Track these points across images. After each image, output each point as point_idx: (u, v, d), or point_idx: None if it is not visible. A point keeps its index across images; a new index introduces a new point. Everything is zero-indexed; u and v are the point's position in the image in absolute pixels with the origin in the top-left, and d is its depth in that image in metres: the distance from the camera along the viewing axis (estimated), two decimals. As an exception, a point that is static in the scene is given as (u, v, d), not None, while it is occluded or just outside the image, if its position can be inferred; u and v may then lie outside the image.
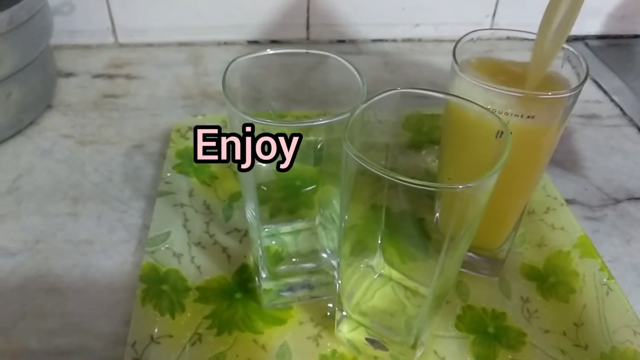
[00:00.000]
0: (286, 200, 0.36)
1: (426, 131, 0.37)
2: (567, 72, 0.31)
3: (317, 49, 0.32)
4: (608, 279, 0.36)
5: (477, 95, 0.28)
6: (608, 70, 0.61)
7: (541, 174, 0.33)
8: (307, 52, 0.32)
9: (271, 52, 0.31)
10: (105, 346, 0.33)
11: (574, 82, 0.30)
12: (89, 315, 0.35)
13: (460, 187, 0.22)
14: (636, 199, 0.45)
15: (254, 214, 0.33)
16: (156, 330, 0.33)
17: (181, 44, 0.63)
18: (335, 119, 0.26)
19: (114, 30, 0.62)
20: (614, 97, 0.57)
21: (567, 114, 0.29)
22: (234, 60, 0.30)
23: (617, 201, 0.45)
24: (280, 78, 0.35)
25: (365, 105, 0.26)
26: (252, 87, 0.34)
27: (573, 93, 0.28)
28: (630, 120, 0.54)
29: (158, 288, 0.35)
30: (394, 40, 0.66)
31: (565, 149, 0.50)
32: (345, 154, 0.25)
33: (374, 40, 0.66)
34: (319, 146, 0.33)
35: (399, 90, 0.27)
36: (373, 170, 0.23)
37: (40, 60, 0.49)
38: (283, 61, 0.34)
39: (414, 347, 0.31)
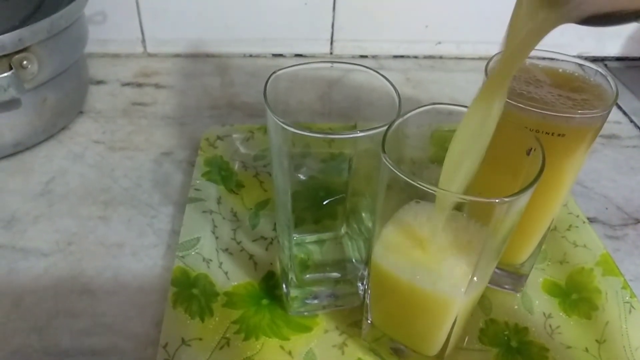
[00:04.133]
0: (314, 210, 0.37)
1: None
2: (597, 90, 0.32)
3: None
4: (630, 297, 0.36)
5: (508, 112, 0.29)
6: (628, 91, 0.62)
7: (567, 192, 0.34)
8: (345, 65, 0.33)
9: (310, 66, 0.32)
10: (137, 347, 0.34)
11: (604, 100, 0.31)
12: (120, 316, 0.36)
13: (497, 200, 0.23)
14: (657, 219, 0.45)
15: (286, 221, 0.34)
16: (187, 333, 0.33)
17: (208, 55, 0.65)
18: (375, 131, 0.27)
19: (143, 40, 0.63)
20: (634, 119, 0.58)
21: (596, 133, 0.30)
22: (274, 73, 0.31)
23: (638, 221, 0.45)
24: (306, 91, 0.36)
25: (402, 119, 0.27)
26: (278, 100, 0.35)
27: (603, 113, 0.29)
28: (650, 141, 0.55)
29: (189, 292, 0.36)
30: (416, 57, 0.67)
31: (586, 168, 0.50)
32: (383, 165, 0.25)
33: (396, 57, 0.67)
34: (348, 158, 0.34)
35: (435, 105, 0.28)
36: (413, 183, 0.24)
37: (75, 68, 0.50)
38: (308, 73, 0.35)
39: (439, 357, 0.31)
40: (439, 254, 0.27)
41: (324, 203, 0.36)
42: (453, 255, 0.27)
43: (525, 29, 0.23)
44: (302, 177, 0.35)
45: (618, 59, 0.68)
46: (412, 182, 0.24)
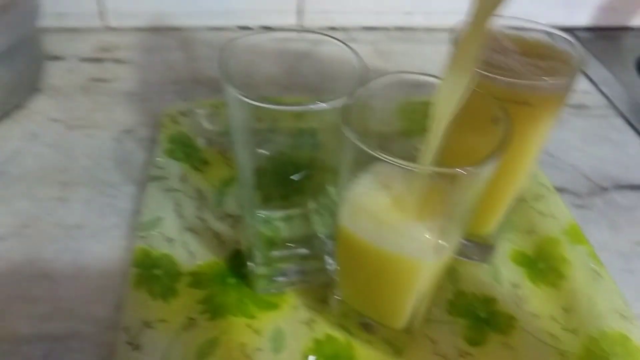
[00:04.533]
0: (280, 186, 0.36)
1: (418, 119, 0.38)
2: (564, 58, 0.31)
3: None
4: (597, 265, 0.37)
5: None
6: (596, 61, 0.62)
7: (534, 162, 0.34)
8: (306, 34, 0.32)
9: (267, 35, 0.31)
10: (98, 331, 0.33)
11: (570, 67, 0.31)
12: (80, 300, 0.34)
13: (462, 170, 0.23)
14: (623, 187, 0.46)
15: (249, 199, 0.33)
16: (149, 315, 0.33)
17: (171, 29, 0.62)
18: (335, 101, 0.26)
19: (102, 14, 0.61)
20: (602, 88, 0.58)
21: (563, 102, 0.30)
22: (229, 42, 0.29)
23: (605, 190, 0.45)
24: (272, 64, 0.35)
25: (364, 89, 0.26)
26: (244, 73, 0.34)
27: (569, 80, 0.28)
28: (618, 110, 0.55)
29: (151, 273, 0.35)
30: (386, 29, 0.66)
31: (554, 137, 0.50)
32: (345, 139, 0.25)
33: (366, 28, 0.65)
34: (313, 132, 0.33)
35: (399, 74, 0.27)
36: (373, 154, 0.23)
37: (28, 43, 0.48)
38: (276, 46, 0.34)
39: (406, 331, 0.31)
40: (405, 214, 0.27)
41: (291, 179, 0.35)
42: (419, 217, 0.26)
43: None
44: (265, 152, 0.33)
45: (587, 29, 0.68)
46: (375, 155, 0.23)
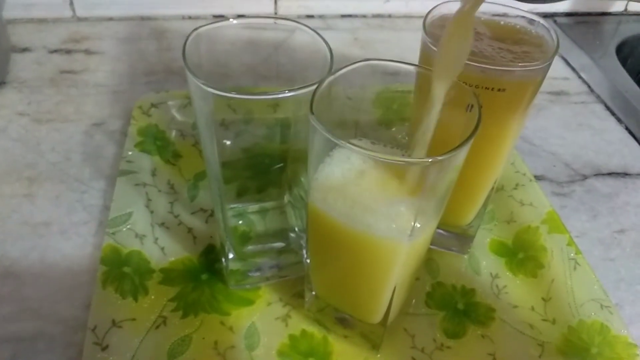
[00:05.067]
0: (253, 179, 0.35)
1: (396, 108, 0.37)
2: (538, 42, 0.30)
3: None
4: (575, 253, 0.36)
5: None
6: (576, 47, 0.61)
7: (511, 149, 0.33)
8: (274, 22, 0.31)
9: (235, 22, 0.30)
10: (65, 331, 0.32)
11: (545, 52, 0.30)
12: (48, 300, 0.33)
13: (430, 160, 0.22)
14: (603, 174, 0.45)
15: (218, 193, 0.32)
16: (118, 314, 0.32)
17: (144, 18, 0.61)
18: (302, 91, 0.25)
19: (71, 3, 0.59)
20: (582, 74, 0.57)
21: (537, 87, 0.29)
22: (194, 30, 0.28)
23: (585, 177, 0.45)
24: (246, 54, 0.34)
25: (332, 77, 0.25)
26: (218, 63, 0.33)
27: (544, 65, 0.28)
28: (598, 97, 0.54)
29: (120, 270, 0.33)
30: (364, 16, 0.64)
31: (534, 125, 0.50)
32: (312, 128, 0.24)
33: (344, 16, 0.64)
34: (286, 123, 0.32)
35: (367, 61, 0.26)
36: (341, 144, 0.22)
37: (-9, 34, 0.46)
38: (250, 36, 0.33)
39: (383, 324, 0.31)
40: (379, 193, 0.25)
41: (265, 171, 0.34)
42: (393, 197, 0.25)
43: None
44: (237, 144, 0.32)
45: (567, 14, 0.68)
46: (341, 144, 0.22)
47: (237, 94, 0.26)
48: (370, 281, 0.29)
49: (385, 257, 0.27)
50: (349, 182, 0.26)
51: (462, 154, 0.23)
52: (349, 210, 0.25)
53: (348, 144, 0.22)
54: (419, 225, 0.25)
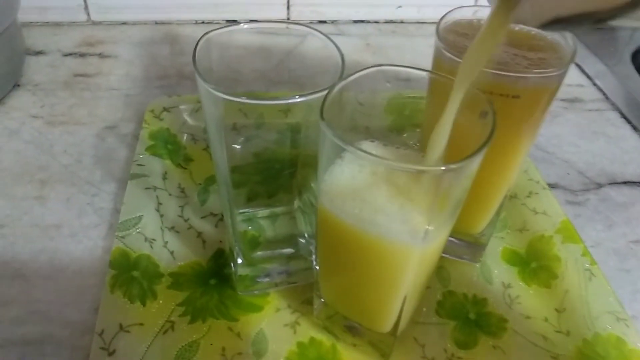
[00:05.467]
0: (263, 184, 0.35)
1: (408, 114, 0.36)
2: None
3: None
4: (590, 264, 0.35)
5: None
6: (591, 54, 0.61)
7: (524, 157, 0.33)
8: (286, 27, 0.31)
9: (246, 26, 0.30)
10: (73, 335, 0.32)
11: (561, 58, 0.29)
12: (56, 303, 0.33)
13: (443, 168, 0.21)
14: (618, 183, 0.45)
15: (227, 197, 0.32)
16: (126, 318, 0.31)
17: (157, 23, 0.61)
18: (313, 96, 0.25)
19: (86, 8, 0.59)
20: (597, 82, 0.57)
21: (553, 95, 0.28)
22: (205, 35, 0.28)
23: (600, 186, 0.44)
24: (258, 59, 0.34)
25: (343, 82, 0.25)
26: (229, 68, 0.33)
27: (560, 72, 0.27)
28: (613, 104, 0.54)
29: (128, 274, 0.33)
30: (376, 22, 0.64)
31: (548, 132, 0.49)
32: (322, 134, 0.23)
33: (356, 22, 0.64)
34: (297, 128, 0.32)
35: (379, 67, 0.26)
36: (351, 151, 0.22)
37: (6, 37, 0.46)
38: (261, 41, 0.33)
39: (393, 334, 0.30)
40: (391, 195, 0.25)
41: (275, 176, 0.34)
42: (407, 198, 0.24)
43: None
44: (247, 149, 0.32)
45: (582, 21, 0.67)
46: (351, 150, 0.22)
47: (247, 98, 0.25)
48: (381, 288, 0.28)
49: (397, 262, 0.26)
50: (360, 182, 0.25)
51: (476, 162, 0.22)
52: (359, 212, 0.25)
53: (359, 151, 0.21)
54: (432, 229, 0.25)
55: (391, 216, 0.24)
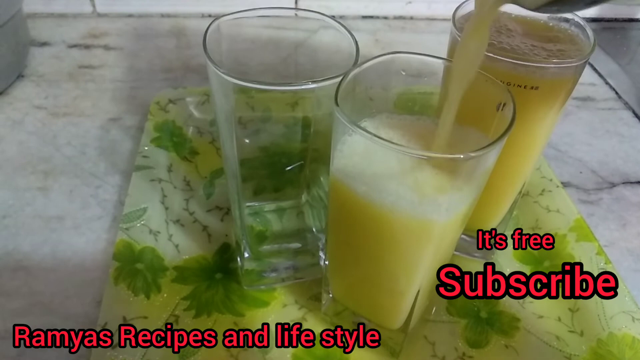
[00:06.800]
0: (271, 178, 0.34)
1: (418, 110, 0.36)
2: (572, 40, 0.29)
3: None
4: (605, 263, 0.35)
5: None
6: (603, 53, 0.60)
7: (540, 152, 0.32)
8: (299, 16, 0.30)
9: (257, 14, 0.29)
10: (76, 327, 0.31)
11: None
12: (58, 295, 0.33)
13: (462, 156, 0.21)
14: (632, 183, 0.44)
15: (236, 190, 0.31)
16: (130, 311, 0.31)
17: (163, 15, 0.60)
18: (325, 82, 0.24)
19: (92, -1, 0.58)
20: (609, 81, 0.56)
21: (572, 87, 0.28)
22: (215, 20, 0.27)
23: (613, 185, 0.43)
24: (267, 51, 0.33)
25: (358, 69, 0.24)
26: (238, 61, 0.32)
27: (580, 63, 0.26)
28: (626, 103, 0.53)
29: (132, 267, 0.33)
30: (385, 18, 0.63)
31: (560, 130, 0.48)
32: (336, 119, 0.23)
33: (365, 17, 0.63)
34: (306, 122, 0.31)
35: (394, 54, 0.25)
36: (365, 136, 0.21)
37: (10, 27, 0.45)
38: (272, 33, 0.32)
39: (403, 330, 0.29)
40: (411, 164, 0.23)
41: (283, 170, 0.33)
42: (426, 168, 0.23)
43: None
44: (255, 142, 0.32)
45: (594, 19, 0.66)
46: (367, 134, 0.21)
47: (259, 84, 0.25)
48: (395, 275, 0.27)
49: (414, 239, 0.24)
50: (374, 151, 0.23)
51: (495, 153, 0.22)
52: (372, 180, 0.23)
53: (375, 137, 0.21)
54: (450, 204, 0.23)
55: (406, 185, 0.22)
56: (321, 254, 0.34)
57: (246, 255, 0.33)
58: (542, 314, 0.33)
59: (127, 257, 0.33)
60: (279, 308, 0.33)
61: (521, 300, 0.34)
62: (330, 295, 0.31)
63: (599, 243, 0.36)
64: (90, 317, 0.31)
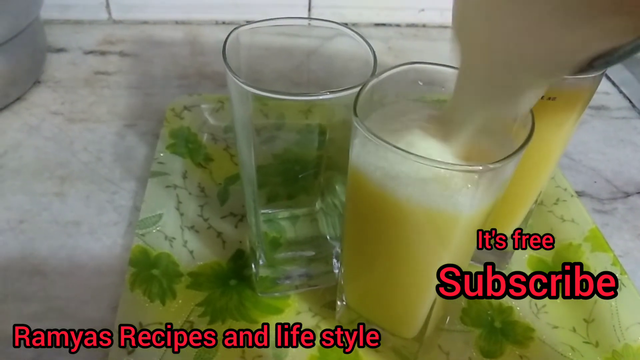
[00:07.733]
0: (285, 185, 0.34)
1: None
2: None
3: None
4: (621, 274, 0.34)
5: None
6: (617, 61, 0.59)
7: (556, 162, 0.32)
8: (315, 25, 0.31)
9: (274, 23, 0.30)
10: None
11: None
12: (74, 300, 0.33)
13: (480, 167, 0.21)
14: (647, 192, 0.43)
15: (252, 197, 0.31)
16: (145, 317, 0.31)
17: (178, 22, 0.61)
18: (342, 93, 0.24)
19: (108, 6, 0.59)
20: (623, 89, 0.56)
21: (589, 97, 0.28)
22: (235, 29, 0.28)
23: (627, 194, 0.43)
24: (282, 59, 0.34)
25: (376, 79, 0.25)
26: (253, 69, 0.32)
27: (598, 74, 0.26)
28: (640, 112, 0.53)
29: (148, 273, 0.33)
30: (398, 25, 0.64)
31: (574, 140, 0.48)
32: (354, 129, 0.23)
33: (377, 25, 0.64)
34: (321, 130, 0.31)
35: (412, 65, 0.25)
36: (386, 146, 0.21)
37: (29, 33, 0.46)
38: (284, 42, 0.32)
39: (418, 339, 0.29)
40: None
41: (298, 177, 0.34)
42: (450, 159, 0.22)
43: None
44: (269, 149, 0.32)
45: (607, 28, 0.66)
46: (386, 145, 0.21)
47: (276, 93, 0.25)
48: (411, 281, 0.27)
49: (434, 235, 0.23)
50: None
51: (513, 165, 0.22)
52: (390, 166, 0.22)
53: (396, 149, 0.21)
54: (478, 196, 0.22)
55: (430, 176, 0.22)
56: (335, 261, 0.34)
57: (261, 262, 0.33)
58: (557, 324, 0.33)
59: (143, 262, 0.33)
60: (293, 315, 0.33)
61: (535, 310, 0.34)
62: (345, 303, 0.31)
63: (614, 253, 0.36)
64: (106, 322, 0.32)
